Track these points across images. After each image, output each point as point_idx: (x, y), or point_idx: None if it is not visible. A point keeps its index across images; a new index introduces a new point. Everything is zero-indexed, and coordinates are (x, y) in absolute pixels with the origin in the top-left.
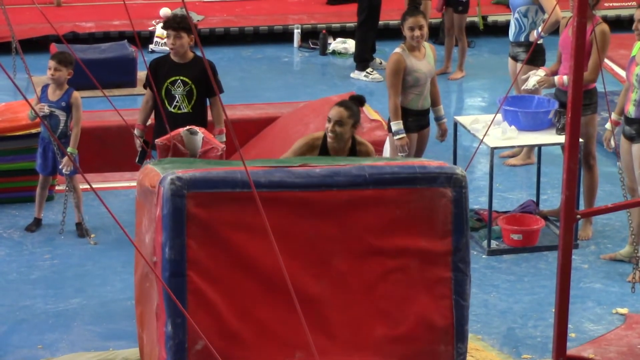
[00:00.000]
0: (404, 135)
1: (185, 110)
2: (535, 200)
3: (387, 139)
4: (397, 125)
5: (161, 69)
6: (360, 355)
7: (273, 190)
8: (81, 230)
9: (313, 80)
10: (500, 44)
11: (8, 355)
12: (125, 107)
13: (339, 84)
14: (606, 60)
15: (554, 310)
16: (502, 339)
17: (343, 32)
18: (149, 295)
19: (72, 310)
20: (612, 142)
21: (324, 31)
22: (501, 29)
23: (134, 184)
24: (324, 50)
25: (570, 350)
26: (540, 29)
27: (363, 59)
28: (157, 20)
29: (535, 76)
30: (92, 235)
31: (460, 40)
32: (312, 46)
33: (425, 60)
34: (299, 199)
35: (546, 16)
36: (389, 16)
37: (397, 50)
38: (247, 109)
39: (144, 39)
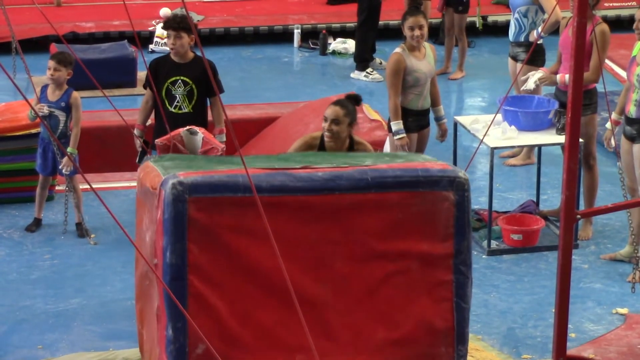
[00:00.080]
0: (404, 135)
1: (186, 110)
2: (535, 200)
3: (387, 139)
4: (397, 125)
5: (161, 69)
6: (361, 358)
7: (275, 194)
8: (81, 231)
9: (313, 81)
10: (500, 44)
11: (8, 355)
12: (125, 107)
13: (339, 84)
14: (606, 60)
15: (554, 310)
16: (502, 339)
17: (343, 32)
18: (148, 293)
19: (72, 310)
20: (613, 142)
21: (324, 31)
22: (501, 29)
23: (134, 184)
24: (324, 50)
25: (570, 350)
26: (540, 29)
27: (363, 59)
28: (157, 21)
29: (535, 77)
30: (92, 236)
31: (460, 40)
32: (312, 46)
33: (425, 60)
34: (301, 203)
35: (546, 16)
36: (389, 16)
37: (397, 50)
38: (247, 109)
39: (144, 39)
